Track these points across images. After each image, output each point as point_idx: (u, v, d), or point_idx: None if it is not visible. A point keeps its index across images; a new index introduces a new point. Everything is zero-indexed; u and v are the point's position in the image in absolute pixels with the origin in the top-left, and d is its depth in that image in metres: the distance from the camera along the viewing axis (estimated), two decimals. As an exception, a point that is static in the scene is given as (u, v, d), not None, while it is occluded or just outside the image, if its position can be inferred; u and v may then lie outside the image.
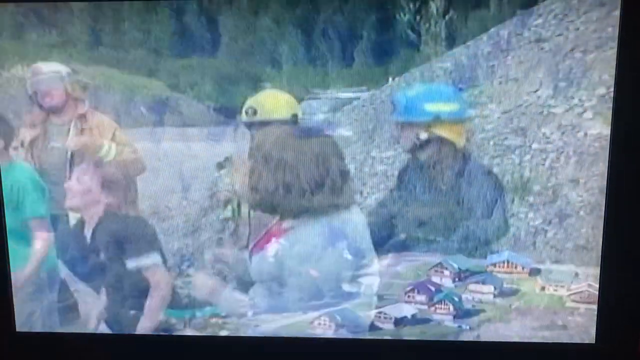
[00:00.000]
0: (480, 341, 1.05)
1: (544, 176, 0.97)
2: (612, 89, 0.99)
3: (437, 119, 0.93)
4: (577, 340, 1.10)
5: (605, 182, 1.04)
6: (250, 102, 0.90)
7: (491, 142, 0.93)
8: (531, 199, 0.94)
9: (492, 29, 0.94)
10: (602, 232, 1.08)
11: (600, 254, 1.06)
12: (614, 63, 0.99)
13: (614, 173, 1.06)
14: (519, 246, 0.93)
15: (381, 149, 0.88)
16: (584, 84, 0.96)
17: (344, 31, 0.85)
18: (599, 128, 1.02)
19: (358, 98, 0.91)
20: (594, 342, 1.10)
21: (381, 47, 0.87)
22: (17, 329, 1.20)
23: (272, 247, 0.88)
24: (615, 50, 0.98)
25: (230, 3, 0.86)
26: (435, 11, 0.91)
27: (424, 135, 0.88)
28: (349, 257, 0.87)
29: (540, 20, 0.93)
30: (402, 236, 0.88)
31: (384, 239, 0.85)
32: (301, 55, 0.83)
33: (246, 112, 0.89)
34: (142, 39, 0.89)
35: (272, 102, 0.86)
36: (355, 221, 0.84)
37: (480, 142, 0.97)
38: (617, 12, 0.96)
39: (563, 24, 0.94)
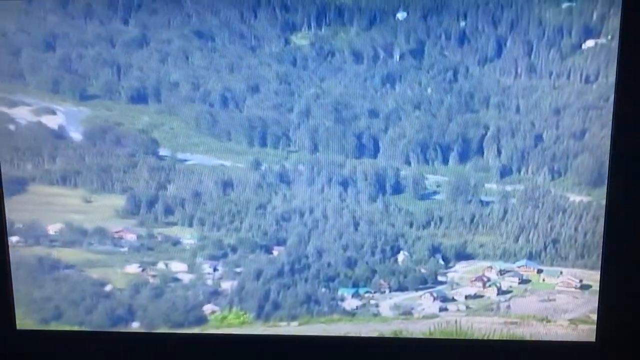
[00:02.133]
0: (482, 339, 1.27)
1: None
2: (612, 94, 1.13)
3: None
4: (577, 339, 1.22)
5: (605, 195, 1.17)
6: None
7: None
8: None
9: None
10: (602, 232, 1.19)
11: (597, 258, 1.19)
12: (615, 61, 1.10)
13: (614, 172, 1.14)
14: (531, 257, 1.31)
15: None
16: (586, 84, 1.14)
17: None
18: (601, 129, 1.17)
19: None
20: (594, 340, 1.22)
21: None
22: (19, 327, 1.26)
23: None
24: (616, 49, 1.10)
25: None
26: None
27: None
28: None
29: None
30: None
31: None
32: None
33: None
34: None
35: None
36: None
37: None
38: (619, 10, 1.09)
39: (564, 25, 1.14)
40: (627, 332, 1.23)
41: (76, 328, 1.35)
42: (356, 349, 1.32)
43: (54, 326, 1.31)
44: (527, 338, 1.31)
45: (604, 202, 1.26)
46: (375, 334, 1.35)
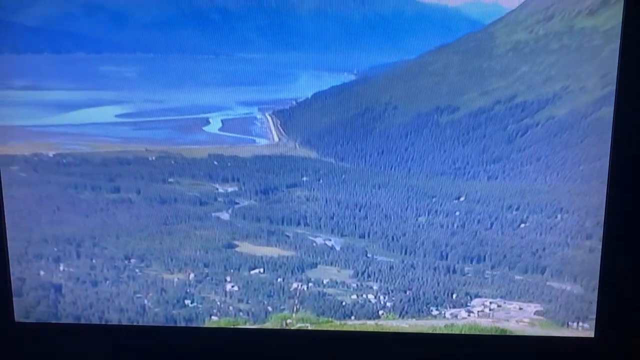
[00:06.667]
0: (482, 335, 1.45)
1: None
2: (613, 96, 1.21)
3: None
4: (577, 334, 1.32)
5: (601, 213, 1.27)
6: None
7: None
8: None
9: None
10: (602, 228, 1.22)
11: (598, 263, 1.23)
12: (616, 62, 1.11)
13: (614, 169, 1.13)
14: (504, 295, 2.33)
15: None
16: (586, 90, 1.26)
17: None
18: (600, 148, 1.33)
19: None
20: (593, 335, 1.33)
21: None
22: (16, 320, 1.20)
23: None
24: (617, 49, 1.12)
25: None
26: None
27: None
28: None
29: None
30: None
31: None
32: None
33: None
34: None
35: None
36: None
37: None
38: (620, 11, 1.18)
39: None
40: (625, 328, 1.30)
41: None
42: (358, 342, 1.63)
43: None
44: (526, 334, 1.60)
45: (552, 284, 2.22)
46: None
